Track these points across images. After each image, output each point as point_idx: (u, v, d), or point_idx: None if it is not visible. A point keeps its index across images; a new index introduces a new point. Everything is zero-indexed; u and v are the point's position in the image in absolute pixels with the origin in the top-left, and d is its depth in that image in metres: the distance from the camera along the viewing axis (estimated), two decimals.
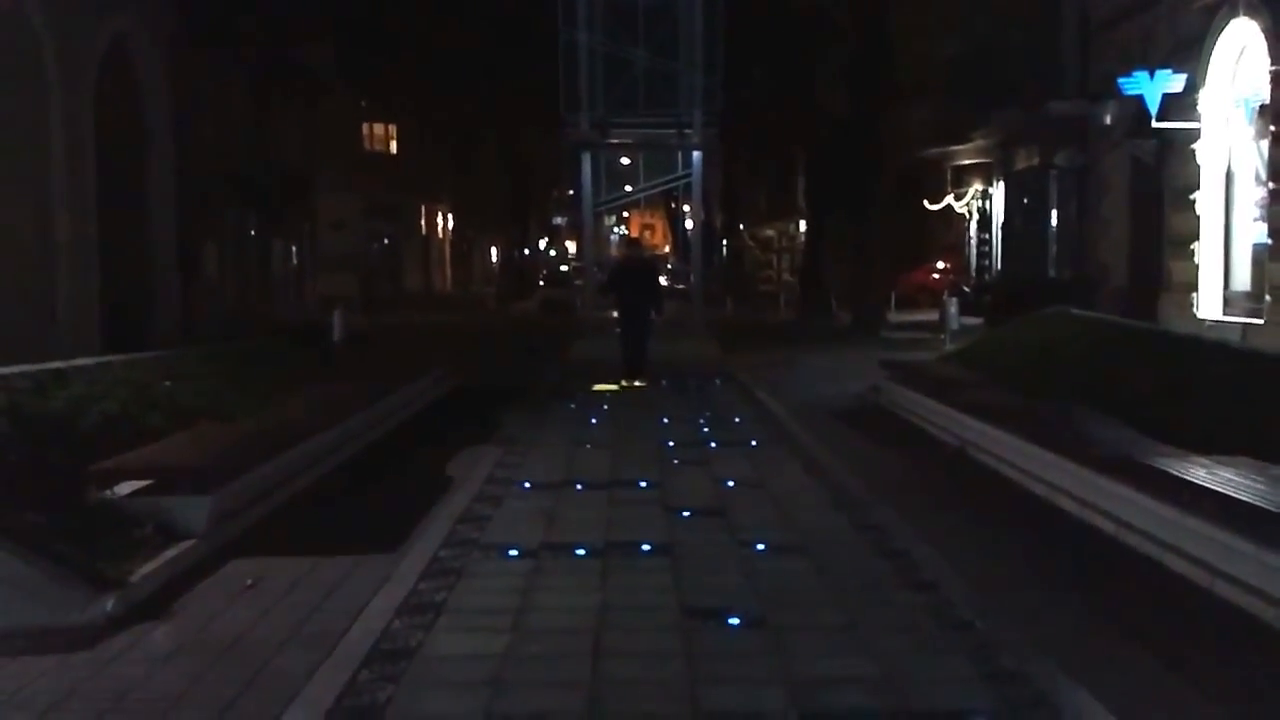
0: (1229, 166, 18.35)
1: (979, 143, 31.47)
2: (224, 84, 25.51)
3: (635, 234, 20.46)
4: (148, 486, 7.02)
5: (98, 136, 18.22)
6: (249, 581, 6.39)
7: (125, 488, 6.99)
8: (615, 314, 17.91)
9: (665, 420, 12.74)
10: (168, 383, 10.28)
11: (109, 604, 5.59)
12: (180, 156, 21.68)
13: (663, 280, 21.55)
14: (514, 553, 6.92)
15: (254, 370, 12.65)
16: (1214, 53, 17.95)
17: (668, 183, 28.24)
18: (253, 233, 28.65)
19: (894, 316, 28.91)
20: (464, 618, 5.69)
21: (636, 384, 16.15)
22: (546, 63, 26.49)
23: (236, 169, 26.09)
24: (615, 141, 26.00)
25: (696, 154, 24.74)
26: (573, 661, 5.04)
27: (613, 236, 70.86)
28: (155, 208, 21.21)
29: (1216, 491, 6.41)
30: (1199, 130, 18.35)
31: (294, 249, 33.33)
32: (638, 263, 17.63)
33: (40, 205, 16.86)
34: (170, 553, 6.46)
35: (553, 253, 79.02)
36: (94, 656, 5.21)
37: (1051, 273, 26.26)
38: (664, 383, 16.43)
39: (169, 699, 4.74)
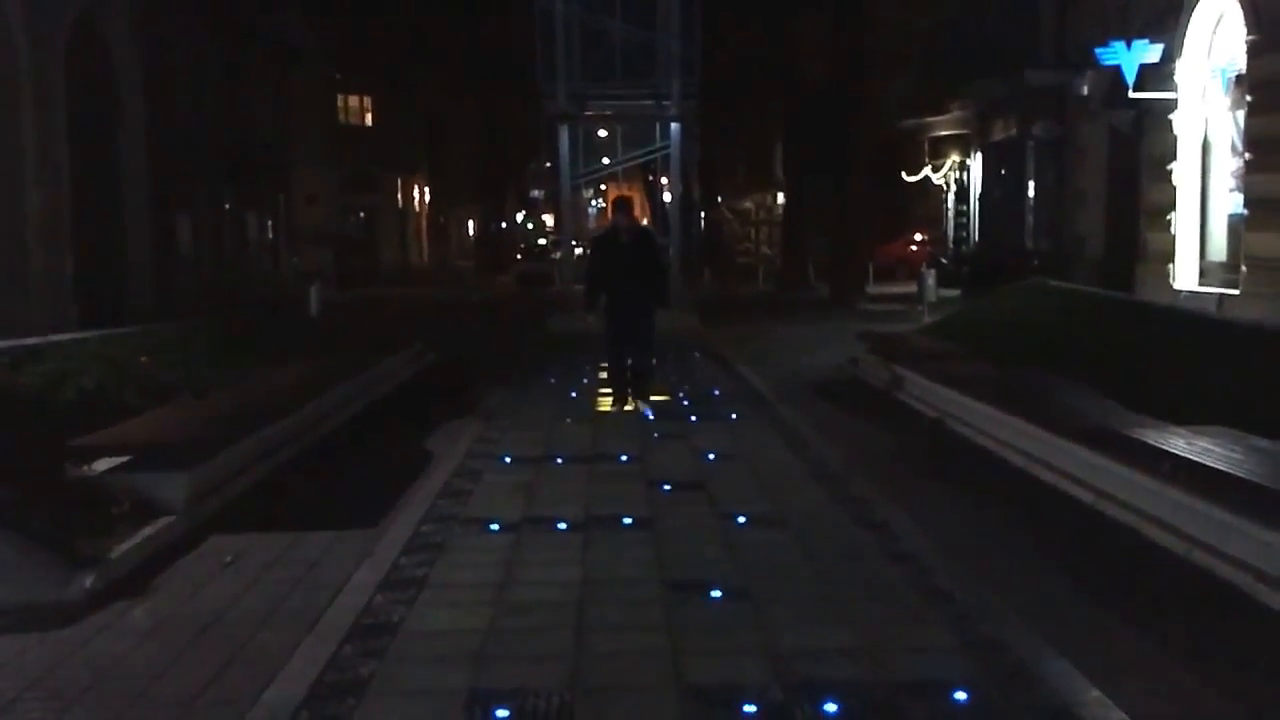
0: (1206, 137, 18.41)
1: (956, 114, 31.50)
2: (196, 55, 25.25)
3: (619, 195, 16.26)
4: (125, 463, 6.98)
5: (69, 109, 18.03)
6: (229, 558, 6.37)
7: (102, 464, 6.95)
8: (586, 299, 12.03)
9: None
10: (144, 358, 10.22)
11: (87, 581, 5.56)
12: (153, 129, 21.46)
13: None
14: (495, 527, 6.91)
15: (231, 345, 12.59)
16: (1191, 23, 17.97)
17: (646, 154, 28.12)
18: (227, 206, 28.42)
19: (872, 288, 28.96)
20: (446, 592, 5.68)
21: (650, 403, 11.44)
22: (523, 33, 26.34)
23: (210, 142, 25.85)
24: (593, 113, 25.87)
25: (675, 125, 24.64)
26: (555, 635, 5.03)
27: (590, 210, 70.63)
28: (128, 181, 21.01)
29: (1194, 461, 6.46)
30: (1176, 100, 18.39)
31: (269, 223, 33.09)
32: (629, 234, 11.58)
33: (11, 180, 16.68)
34: (149, 529, 6.42)
35: (530, 226, 78.73)
36: (73, 634, 5.19)
37: (1029, 244, 26.36)
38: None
39: (149, 676, 4.72)
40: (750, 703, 4.28)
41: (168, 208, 22.80)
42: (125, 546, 6.11)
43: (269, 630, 5.25)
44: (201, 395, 9.40)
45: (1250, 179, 16.61)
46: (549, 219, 69.90)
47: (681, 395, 12.59)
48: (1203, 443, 6.97)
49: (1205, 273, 18.33)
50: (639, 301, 11.42)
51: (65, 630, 5.22)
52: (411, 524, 6.93)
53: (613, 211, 12.17)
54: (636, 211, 12.27)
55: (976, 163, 30.97)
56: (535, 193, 77.26)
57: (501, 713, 4.23)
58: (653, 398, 11.58)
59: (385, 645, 4.93)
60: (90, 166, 19.06)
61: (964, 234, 32.38)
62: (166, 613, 5.51)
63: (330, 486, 8.30)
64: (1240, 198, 17.10)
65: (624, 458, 9.05)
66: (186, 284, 23.06)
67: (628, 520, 7.03)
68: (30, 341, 9.66)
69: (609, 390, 11.92)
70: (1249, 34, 16.39)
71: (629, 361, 11.58)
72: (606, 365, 12.15)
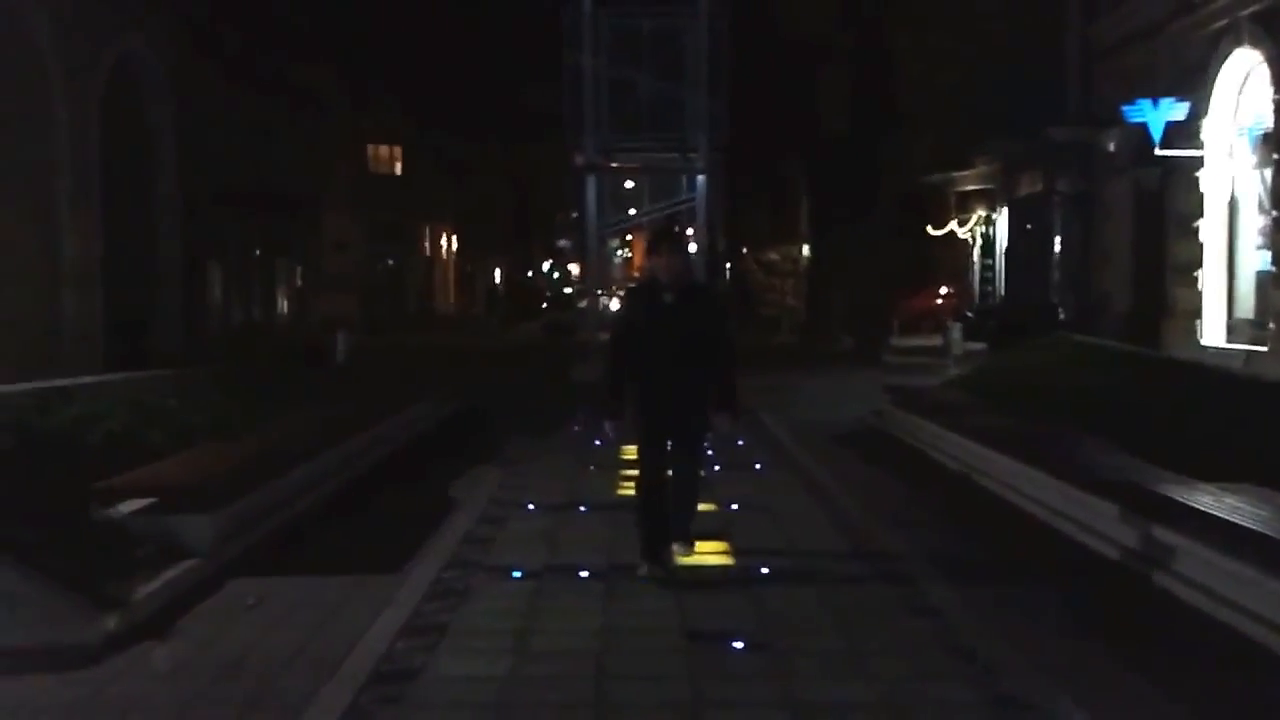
0: (1232, 194, 18.40)
1: (982, 169, 31.56)
2: (229, 104, 25.60)
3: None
4: (150, 505, 7.00)
5: (103, 156, 18.30)
6: (251, 601, 6.37)
7: (127, 506, 6.97)
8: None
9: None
10: (171, 401, 10.27)
11: (110, 623, 5.57)
12: (185, 176, 21.75)
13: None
14: (517, 574, 6.89)
15: (257, 390, 12.64)
16: (1217, 81, 18.01)
17: (672, 206, 28.28)
18: (257, 253, 28.73)
19: (897, 341, 28.89)
20: (467, 639, 5.67)
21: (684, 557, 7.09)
22: (552, 85, 26.66)
23: (241, 189, 26.16)
24: (620, 165, 26.09)
25: (701, 178, 24.82)
26: (575, 684, 5.01)
27: (616, 259, 70.92)
28: (160, 227, 21.29)
29: (1222, 519, 6.39)
30: (1202, 158, 18.40)
31: (298, 269, 33.40)
32: (676, 288, 6.91)
33: (46, 225, 16.93)
34: (172, 572, 6.44)
35: (556, 275, 79.15)
36: (94, 675, 5.19)
37: (1055, 299, 26.29)
38: None
39: (168, 718, 4.72)
40: None
41: (198, 254, 23.06)
42: (148, 588, 6.13)
43: (289, 675, 5.24)
44: (227, 439, 9.44)
45: (1278, 236, 16.56)
46: (575, 269, 70.19)
47: (705, 444, 12.52)
48: (1231, 500, 6.90)
49: (1232, 329, 18.25)
50: (689, 394, 7.15)
51: (86, 671, 5.22)
52: (434, 570, 6.93)
53: (650, 252, 7.46)
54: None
55: (1002, 217, 30.98)
56: (562, 242, 77.70)
57: None
58: (701, 553, 7.29)
59: (404, 692, 4.92)
60: (123, 212, 19.30)
61: (990, 288, 32.33)
62: (187, 655, 5.51)
63: (353, 531, 8.30)
64: (1268, 255, 17.05)
65: None
66: (215, 330, 23.29)
67: None
68: (59, 383, 9.74)
69: (642, 539, 7.01)
70: (1276, 92, 16.42)
71: (663, 492, 7.09)
72: (637, 500, 7.20)
